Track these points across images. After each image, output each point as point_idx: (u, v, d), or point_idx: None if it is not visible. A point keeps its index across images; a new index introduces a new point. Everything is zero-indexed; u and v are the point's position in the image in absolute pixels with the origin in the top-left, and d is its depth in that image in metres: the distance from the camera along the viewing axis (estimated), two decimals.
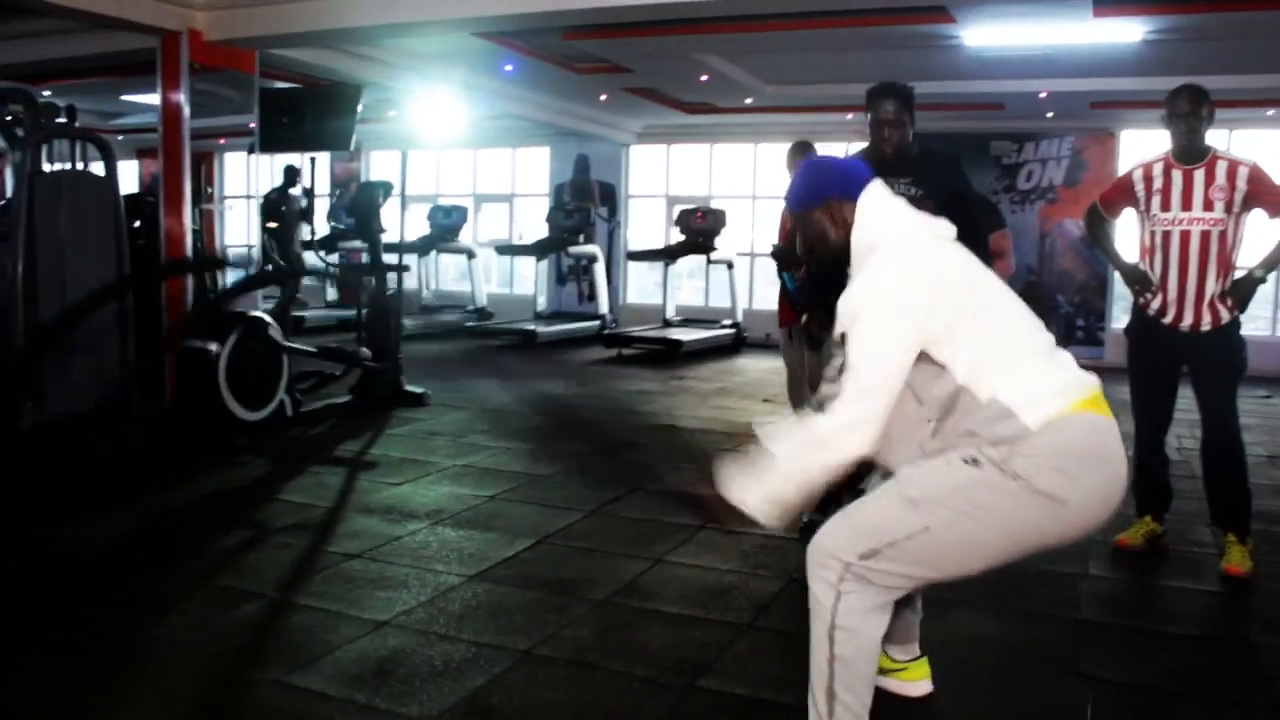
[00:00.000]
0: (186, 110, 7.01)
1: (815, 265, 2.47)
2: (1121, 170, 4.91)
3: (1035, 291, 11.83)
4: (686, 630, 3.42)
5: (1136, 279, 4.25)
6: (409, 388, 7.85)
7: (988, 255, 4.31)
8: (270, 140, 7.66)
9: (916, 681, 2.94)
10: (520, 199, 15.77)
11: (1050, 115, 11.28)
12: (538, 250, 13.32)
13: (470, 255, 14.27)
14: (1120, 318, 11.44)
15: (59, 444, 6.13)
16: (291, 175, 12.28)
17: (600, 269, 13.71)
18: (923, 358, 2.23)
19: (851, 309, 2.25)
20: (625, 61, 9.24)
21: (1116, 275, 4.69)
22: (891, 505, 2.23)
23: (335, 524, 4.63)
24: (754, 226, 13.63)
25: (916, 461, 2.28)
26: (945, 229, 2.42)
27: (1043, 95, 10.08)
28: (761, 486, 2.27)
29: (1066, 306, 11.94)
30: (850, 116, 11.21)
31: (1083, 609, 3.70)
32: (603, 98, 11.41)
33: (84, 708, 2.81)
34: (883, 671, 2.95)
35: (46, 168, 6.68)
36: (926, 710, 2.87)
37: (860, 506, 2.28)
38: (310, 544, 4.31)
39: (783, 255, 4.98)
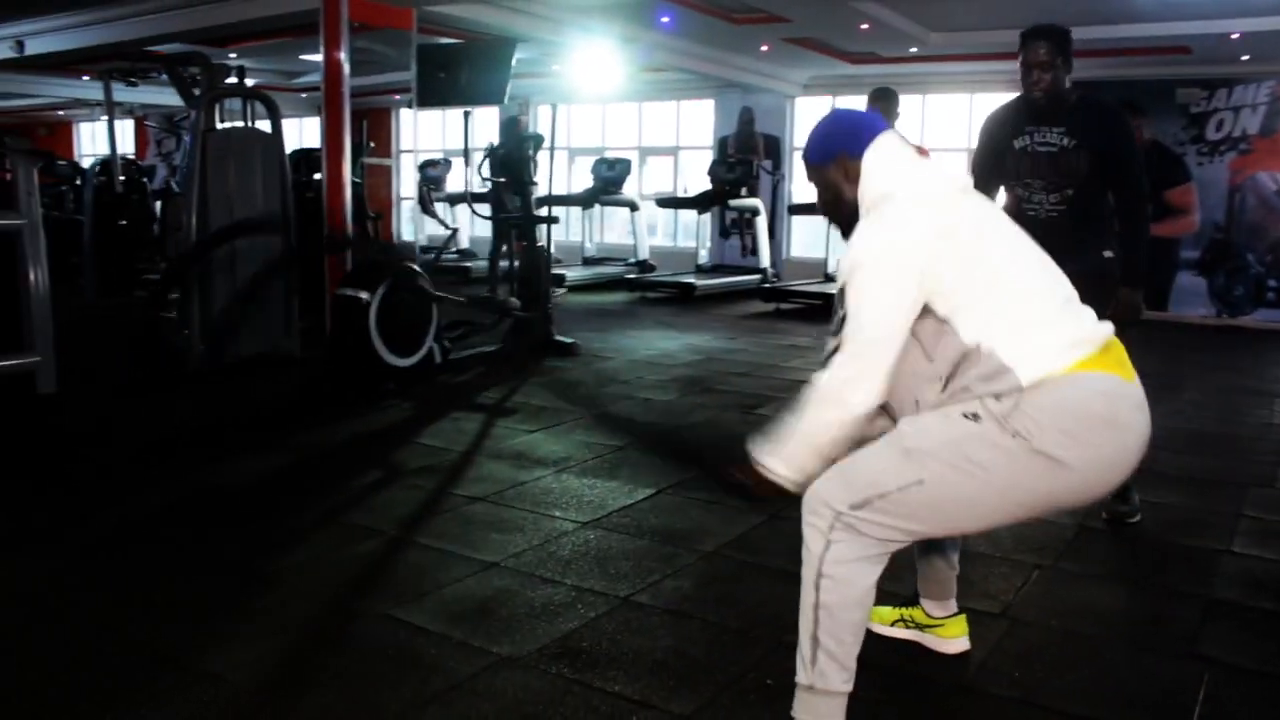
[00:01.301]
0: (347, 68, 7.27)
1: (831, 221, 2.39)
2: None
3: (1222, 250, 11.09)
4: (788, 587, 3.32)
5: None
6: (559, 338, 7.99)
7: (1159, 212, 4.08)
8: (427, 95, 7.88)
9: (953, 639, 2.88)
10: (685, 152, 15.76)
11: (1245, 58, 10.49)
12: (700, 203, 13.28)
13: (633, 208, 14.35)
14: None
15: (225, 385, 6.53)
16: (513, 127, 11.61)
17: (762, 222, 13.58)
18: (929, 314, 2.15)
19: (850, 261, 2.19)
20: (782, 11, 9.08)
21: None
22: (886, 456, 2.16)
23: (465, 468, 4.78)
24: None
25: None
26: (962, 180, 2.31)
27: (1235, 36, 9.37)
28: (784, 451, 2.24)
29: (1257, 266, 11.12)
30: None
31: (1216, 588, 3.48)
32: (764, 48, 11.25)
33: (204, 630, 3.01)
34: (919, 627, 2.92)
35: (220, 125, 7.08)
36: (1025, 679, 2.77)
37: (856, 456, 2.20)
38: (438, 486, 4.47)
39: None
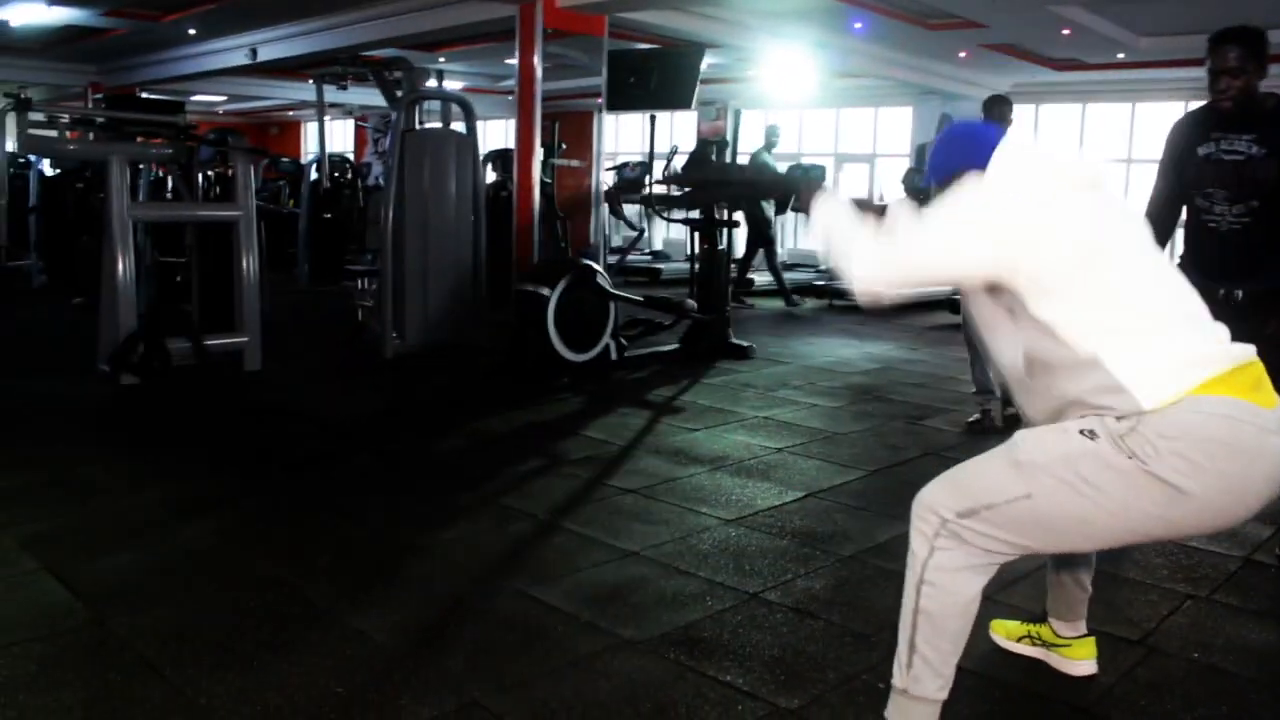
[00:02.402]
0: (539, 72, 7.58)
1: None
2: None
3: None
4: None
5: None
6: (735, 340, 8.07)
7: None
8: (617, 100, 8.09)
9: (1080, 660, 2.79)
10: (881, 159, 15.56)
11: None
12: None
13: (777, 213, 14.23)
14: None
15: (413, 372, 6.93)
16: (771, 137, 11.48)
17: None
18: (1031, 320, 2.11)
19: (955, 192, 2.20)
20: (978, 16, 8.88)
21: None
22: (997, 467, 2.13)
23: (623, 461, 4.94)
24: (1128, 190, 12.65)
25: (1036, 425, 2.15)
26: (1099, 173, 2.23)
27: None
28: (833, 206, 2.36)
29: None
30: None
31: None
32: (962, 55, 11.01)
33: (359, 592, 3.25)
34: (1046, 645, 2.85)
35: (420, 126, 7.50)
36: (1151, 709, 2.68)
37: (969, 464, 2.19)
38: (594, 476, 4.64)
39: None
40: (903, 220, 2.20)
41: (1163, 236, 3.84)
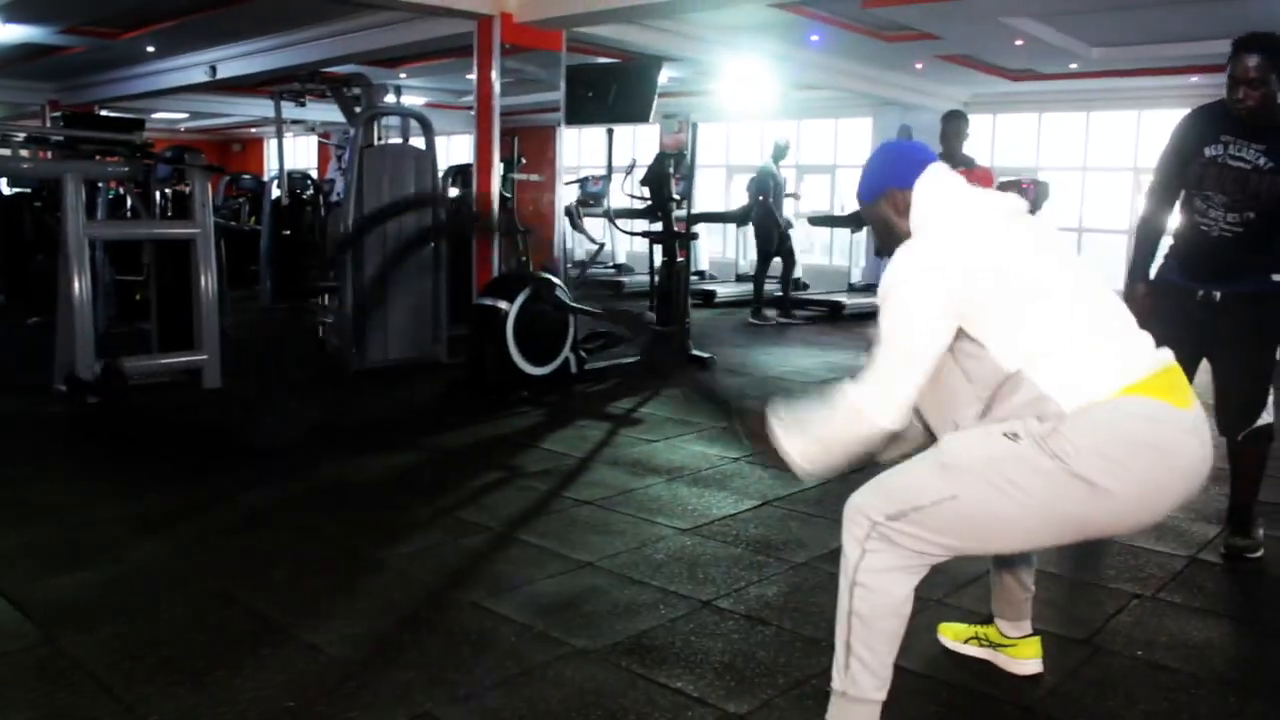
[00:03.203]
0: (497, 87, 7.61)
1: (888, 256, 2.40)
2: None
3: None
4: None
5: None
6: (695, 352, 8.12)
7: None
8: (575, 114, 8.16)
9: (1026, 659, 2.85)
10: (842, 170, 15.68)
11: None
12: (852, 221, 13.20)
13: (787, 226, 14.35)
14: None
15: (372, 388, 6.93)
16: (780, 152, 11.32)
17: None
18: (967, 337, 2.17)
19: (885, 285, 2.22)
20: (931, 28, 9.01)
21: None
22: (924, 470, 2.18)
23: (580, 473, 4.96)
24: (1083, 199, 12.83)
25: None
26: (1015, 204, 2.32)
27: None
28: (801, 441, 2.29)
29: None
30: (1195, 79, 10.29)
31: None
32: (918, 66, 11.16)
33: (312, 606, 3.26)
34: (992, 646, 2.90)
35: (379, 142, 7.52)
36: (1095, 707, 2.74)
37: (896, 469, 2.24)
38: (551, 488, 4.66)
39: None
40: (867, 370, 2.24)
41: (1157, 228, 3.86)
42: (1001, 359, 2.16)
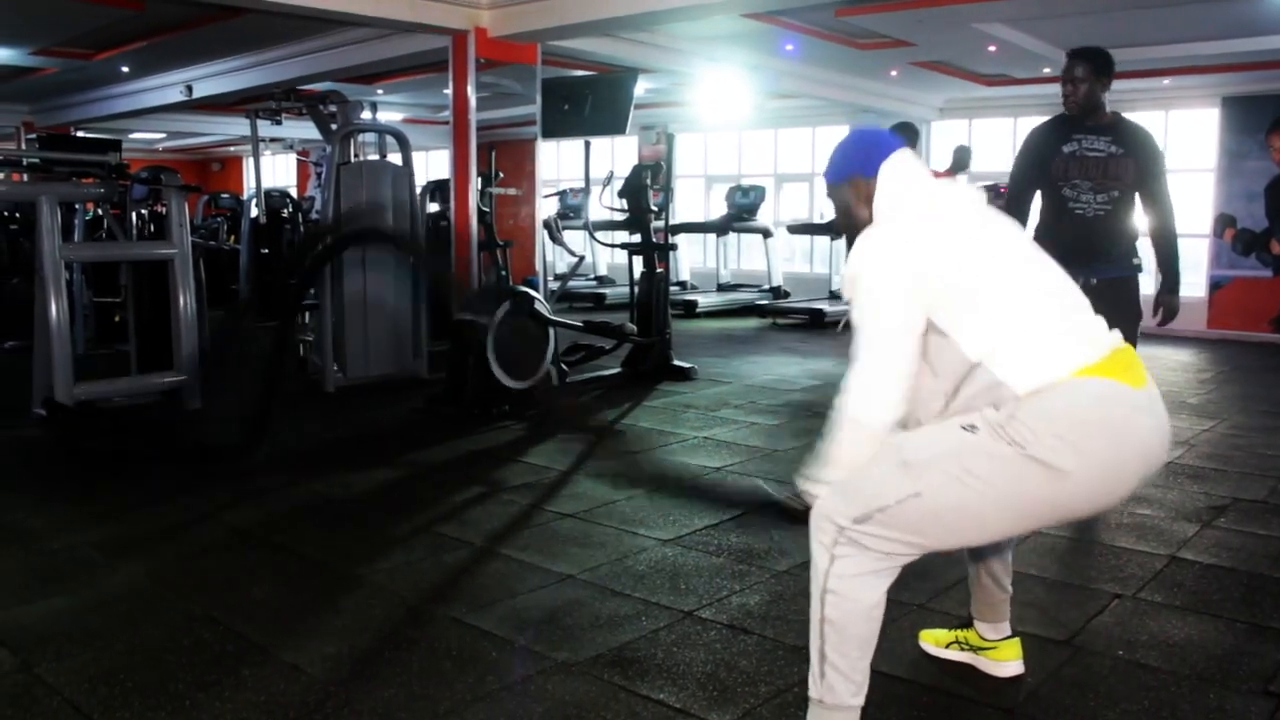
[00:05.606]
0: (474, 102, 7.62)
1: (848, 240, 2.44)
2: None
3: None
4: None
5: None
6: (677, 362, 8.12)
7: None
8: (552, 127, 8.16)
9: (1006, 662, 2.86)
10: (820, 178, 15.73)
11: None
12: (831, 229, 13.26)
13: (766, 234, 14.42)
14: None
15: (353, 404, 6.90)
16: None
17: None
18: (933, 328, 2.18)
19: (849, 275, 2.25)
20: (904, 35, 9.05)
21: None
22: (886, 469, 2.18)
23: (562, 486, 4.95)
24: None
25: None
26: (973, 194, 2.35)
27: None
28: (825, 477, 2.29)
29: None
30: (1167, 81, 10.36)
31: None
32: (893, 73, 11.19)
33: (292, 625, 3.24)
34: (974, 649, 2.90)
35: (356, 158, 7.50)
36: (1076, 708, 2.75)
37: (859, 471, 2.24)
38: (532, 502, 4.65)
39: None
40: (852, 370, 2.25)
41: (1020, 220, 4.37)
42: (965, 347, 2.17)
